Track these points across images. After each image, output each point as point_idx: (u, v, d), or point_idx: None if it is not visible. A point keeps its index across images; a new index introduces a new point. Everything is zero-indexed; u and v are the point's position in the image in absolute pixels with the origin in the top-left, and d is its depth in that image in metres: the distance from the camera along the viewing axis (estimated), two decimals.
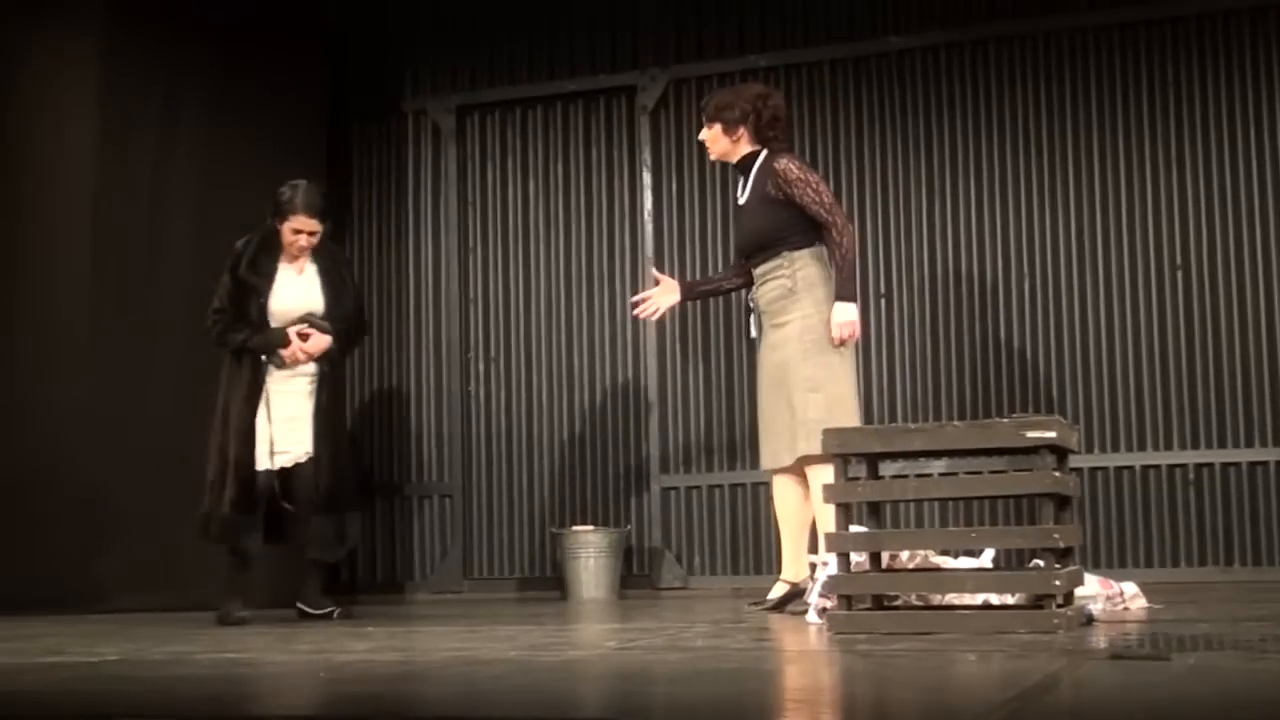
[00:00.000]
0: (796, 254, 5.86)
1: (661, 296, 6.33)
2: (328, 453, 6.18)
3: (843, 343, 5.78)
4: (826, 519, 5.47)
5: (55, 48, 7.35)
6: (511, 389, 8.48)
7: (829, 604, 4.61)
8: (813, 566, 5.23)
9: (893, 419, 7.65)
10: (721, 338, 8.06)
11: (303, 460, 6.14)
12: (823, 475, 5.56)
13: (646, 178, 8.32)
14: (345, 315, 6.30)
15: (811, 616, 4.83)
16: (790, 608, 5.62)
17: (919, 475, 5.92)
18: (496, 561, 8.41)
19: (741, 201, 6.03)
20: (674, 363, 8.20)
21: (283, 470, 6.13)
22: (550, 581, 8.14)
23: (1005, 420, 4.29)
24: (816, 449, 5.53)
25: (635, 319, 8.10)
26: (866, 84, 8.02)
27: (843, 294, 5.78)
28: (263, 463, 6.09)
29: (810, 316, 5.80)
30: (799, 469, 5.87)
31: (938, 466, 6.68)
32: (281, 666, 3.81)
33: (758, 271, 5.98)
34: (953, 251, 7.77)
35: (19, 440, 7.04)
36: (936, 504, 7.44)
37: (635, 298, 6.48)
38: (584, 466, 8.29)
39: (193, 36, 7.74)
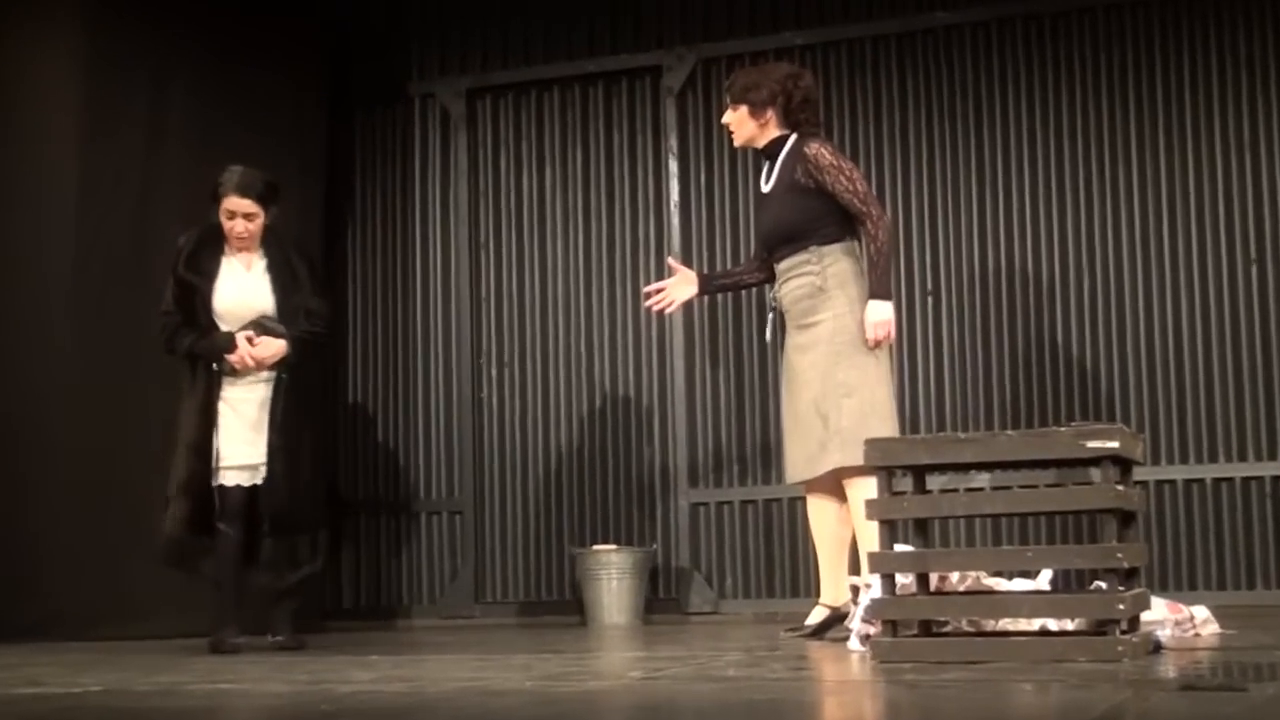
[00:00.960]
0: (826, 248, 5.84)
1: (677, 289, 6.31)
2: (281, 469, 6.14)
3: (878, 344, 5.76)
4: (868, 537, 5.46)
5: (35, 34, 7.38)
6: (527, 395, 8.48)
7: (872, 630, 4.61)
8: (854, 589, 5.22)
9: (940, 428, 7.63)
10: (755, 338, 8.05)
11: (261, 478, 6.14)
12: (862, 489, 5.57)
13: (673, 166, 8.31)
14: (298, 314, 6.25)
15: (853, 644, 4.82)
16: (830, 634, 5.60)
17: (969, 489, 5.90)
18: (510, 583, 8.41)
19: (766, 190, 6.02)
20: (703, 366, 8.19)
21: (252, 487, 6.15)
22: (569, 605, 8.14)
23: (1063, 429, 4.27)
24: (851, 460, 5.57)
25: (660, 317, 8.09)
26: (911, 63, 8.01)
27: (878, 292, 5.76)
28: (229, 478, 6.10)
29: (842, 316, 5.78)
30: (833, 482, 5.85)
31: (989, 480, 6.67)
32: (279, 699, 3.81)
33: (782, 267, 5.96)
34: (1005, 244, 7.75)
35: None
36: (988, 521, 7.42)
37: (649, 288, 6.46)
38: (605, 480, 8.29)
39: (182, 18, 7.76)
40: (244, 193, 6.20)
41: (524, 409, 8.48)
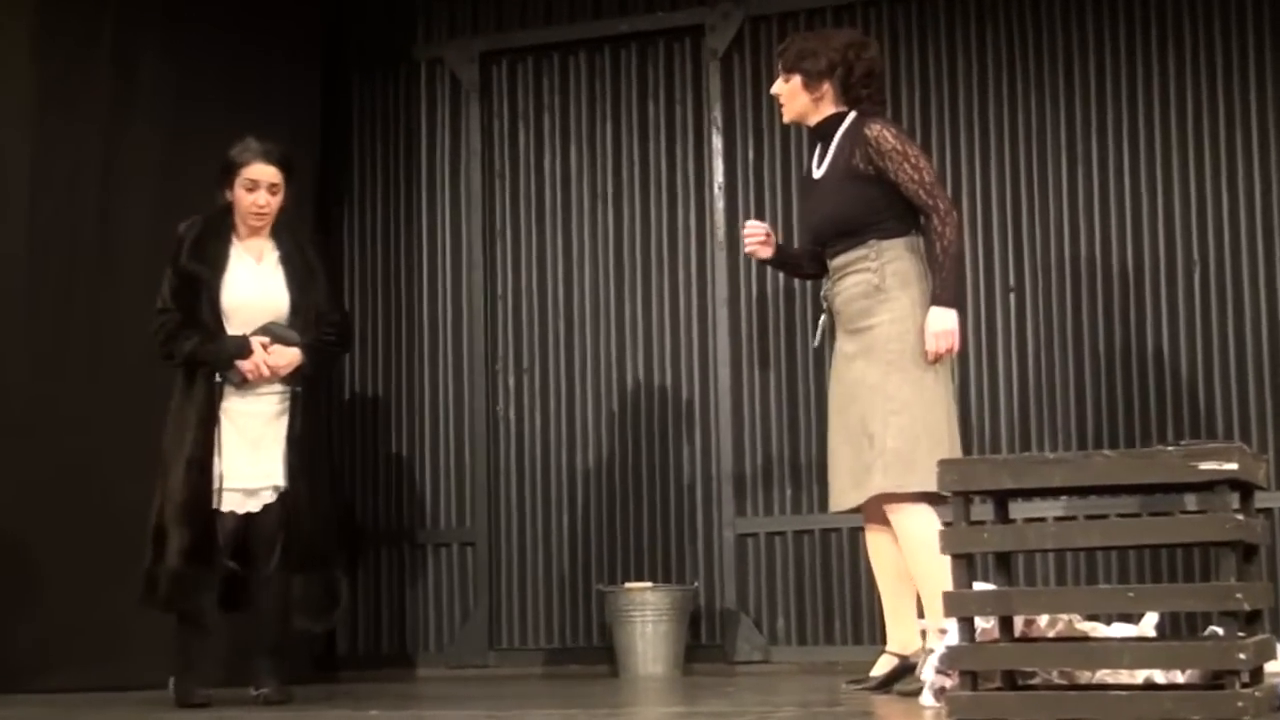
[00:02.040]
0: (886, 243, 5.84)
1: (765, 246, 6.27)
2: (306, 493, 6.18)
3: (938, 357, 5.76)
4: (925, 573, 5.56)
5: None
6: (549, 408, 8.48)
7: (948, 682, 4.60)
8: (924, 634, 5.20)
9: (1024, 447, 7.59)
10: (810, 342, 8.00)
11: (271, 502, 6.16)
12: (909, 518, 5.64)
13: (717, 141, 8.29)
14: (315, 311, 6.30)
15: (926, 698, 4.82)
16: (899, 686, 5.58)
17: (1060, 519, 5.86)
18: (530, 627, 8.40)
19: (818, 175, 6.03)
20: (752, 374, 8.17)
21: (247, 514, 6.14)
22: (598, 653, 8.13)
23: (1171, 449, 4.22)
24: (896, 485, 5.63)
25: (701, 318, 8.08)
26: (993, 25, 7.99)
27: (943, 297, 5.75)
28: (228, 503, 6.11)
29: (901, 320, 5.79)
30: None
31: (1083, 507, 6.67)
32: None
33: (836, 263, 5.96)
34: (1101, 234, 7.72)
35: None
36: (1082, 555, 7.39)
37: (753, 223, 6.32)
38: (639, 507, 8.28)
39: None
40: (268, 158, 6.25)
41: (545, 424, 8.48)
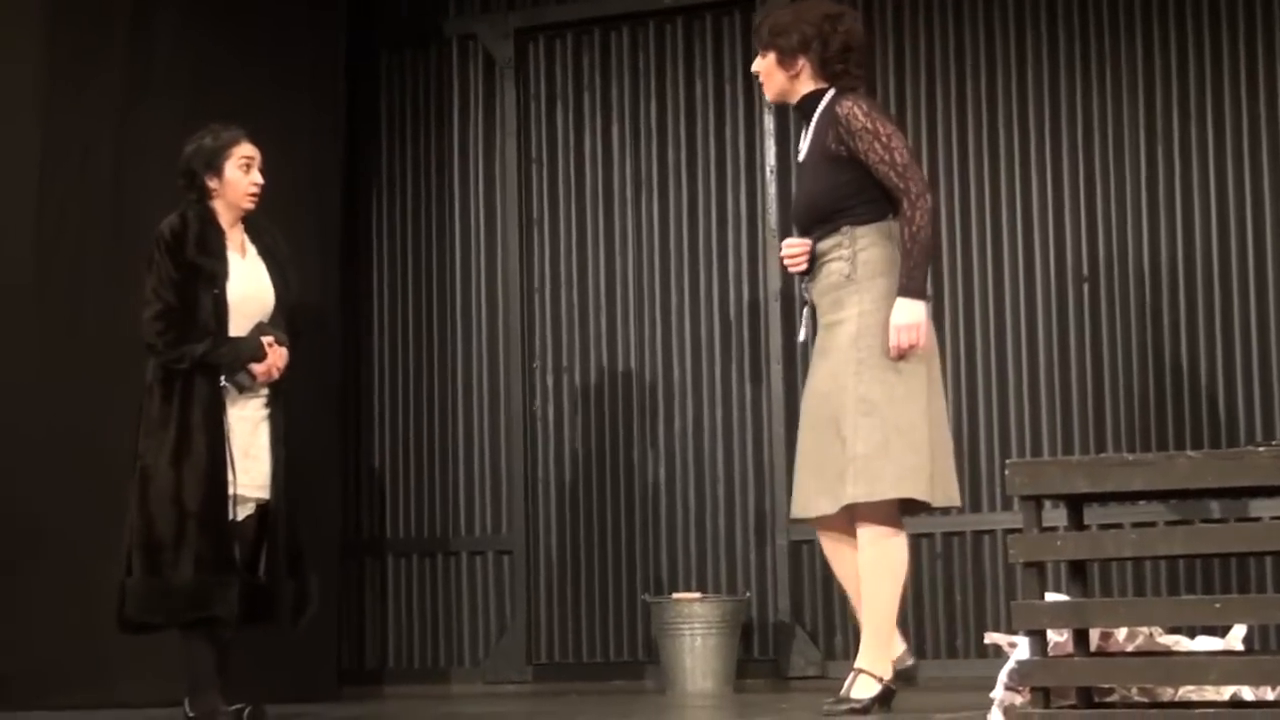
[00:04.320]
0: (860, 230, 5.80)
1: (807, 260, 6.15)
2: (288, 498, 6.31)
3: (901, 354, 5.69)
4: (872, 597, 5.63)
5: None
6: (589, 409, 8.49)
7: (1019, 699, 4.56)
8: (996, 647, 5.17)
9: (1099, 448, 7.57)
10: None
11: (253, 511, 6.26)
12: (876, 529, 5.62)
13: (769, 121, 8.29)
14: (295, 302, 6.49)
15: (995, 716, 4.78)
16: (829, 706, 5.63)
17: (1138, 525, 5.82)
18: (571, 641, 8.41)
19: (801, 158, 6.03)
20: (806, 372, 8.13)
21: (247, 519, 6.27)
22: (643, 668, 8.16)
23: (1260, 449, 4.18)
24: (865, 494, 5.60)
25: (753, 313, 8.07)
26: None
27: (908, 288, 5.70)
28: (245, 509, 6.21)
29: (870, 314, 5.73)
30: (850, 520, 5.82)
31: (1164, 513, 6.64)
32: None
33: (817, 250, 5.91)
34: (1183, 219, 7.69)
35: None
36: (1162, 564, 7.36)
37: (791, 241, 6.23)
38: (687, 513, 8.28)
39: None
40: (250, 137, 6.39)
41: (586, 425, 8.49)
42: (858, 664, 5.66)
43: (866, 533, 5.67)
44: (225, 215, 6.35)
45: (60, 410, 7.18)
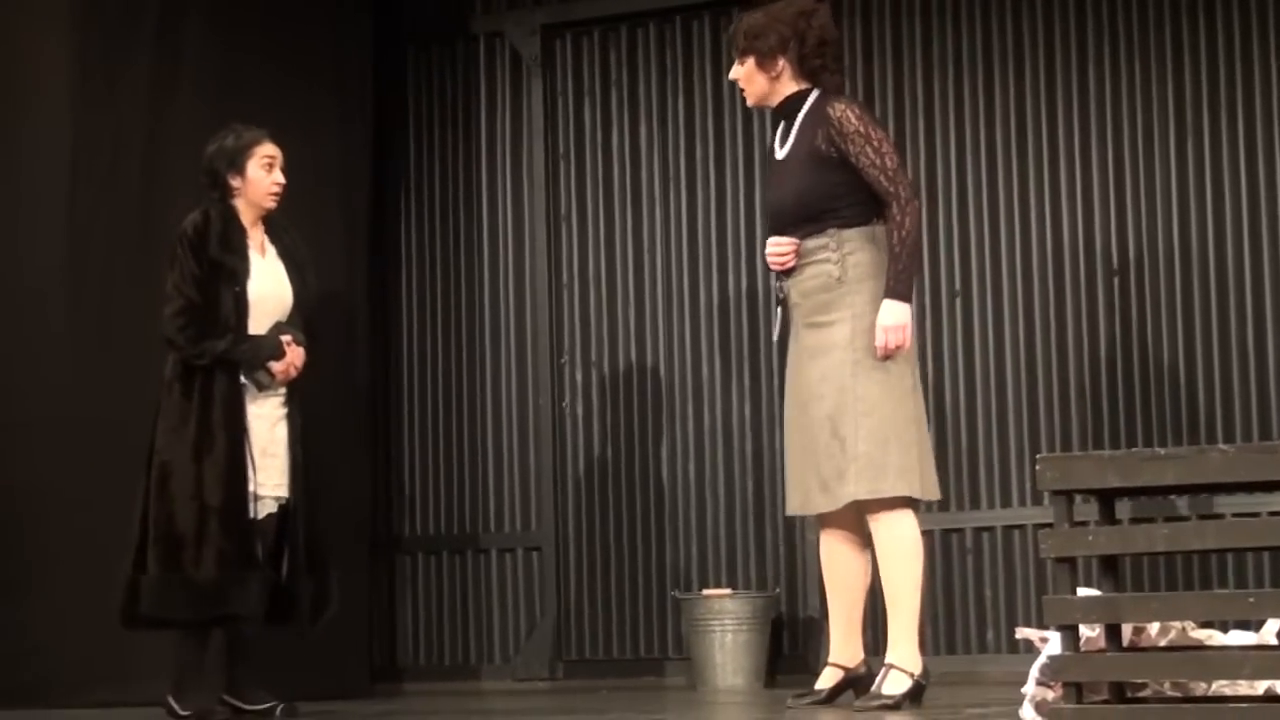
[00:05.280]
0: (847, 232, 5.86)
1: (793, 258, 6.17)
2: (307, 497, 6.39)
3: (888, 355, 5.76)
4: (902, 581, 5.71)
5: None
6: (619, 405, 8.49)
7: (1051, 694, 4.54)
8: (1027, 642, 5.16)
9: (1130, 443, 7.56)
10: None
11: (274, 510, 6.33)
12: (893, 525, 5.72)
13: None
14: (314, 303, 6.55)
15: (1027, 712, 4.76)
16: (859, 703, 5.71)
17: (1170, 519, 5.80)
18: (601, 637, 8.41)
19: (780, 156, 6.04)
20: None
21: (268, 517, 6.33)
22: (673, 664, 8.16)
23: None
24: (870, 491, 5.70)
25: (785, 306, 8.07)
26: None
27: (897, 290, 5.77)
28: (262, 508, 6.28)
29: (864, 317, 5.80)
30: (853, 518, 5.89)
31: (1195, 506, 6.62)
32: None
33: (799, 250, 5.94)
34: (1214, 212, 7.68)
35: None
36: (1195, 558, 7.33)
37: (777, 240, 6.24)
38: (716, 508, 8.28)
39: None
40: (271, 137, 6.46)
41: (615, 421, 8.49)
42: (888, 659, 5.71)
43: (882, 524, 5.77)
44: (247, 214, 6.42)
45: (92, 407, 7.21)
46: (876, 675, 5.76)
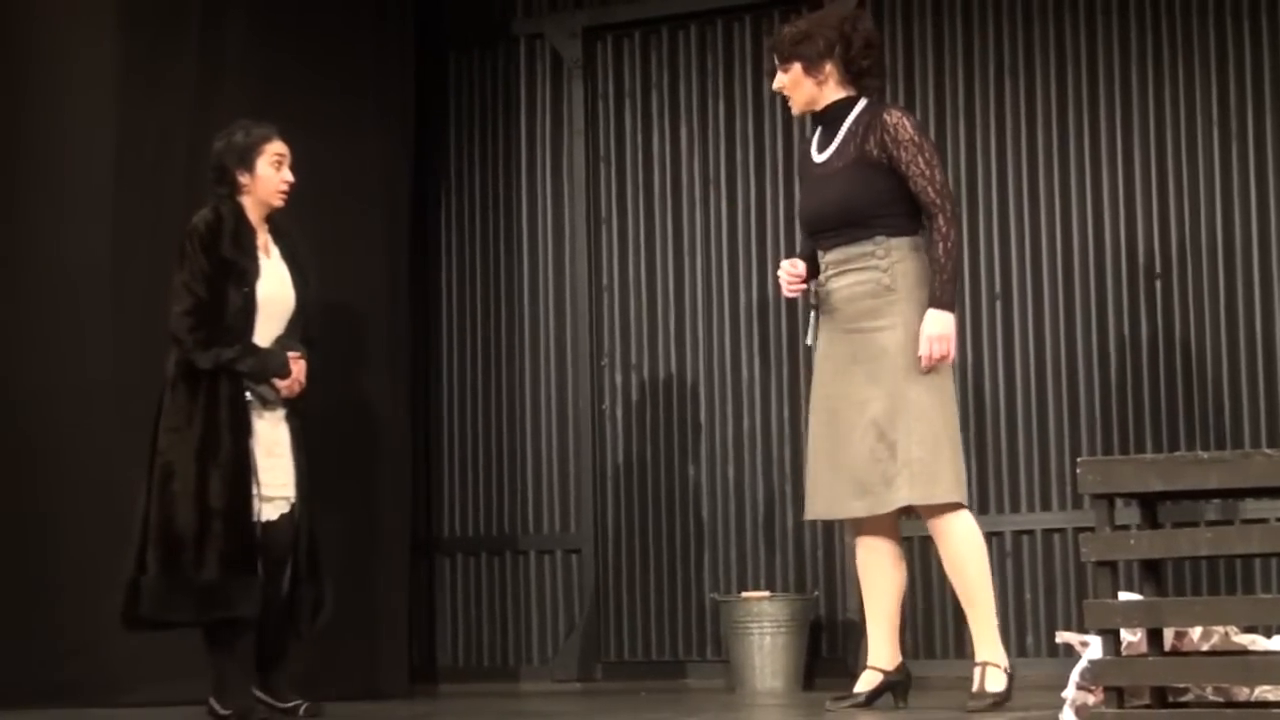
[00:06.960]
0: (894, 241, 5.92)
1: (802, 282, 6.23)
2: (305, 498, 6.41)
3: (932, 364, 5.83)
4: (976, 581, 5.81)
5: None
6: (658, 407, 8.48)
7: (1092, 699, 4.56)
8: (1069, 647, 5.15)
9: (1171, 446, 7.53)
10: None
11: (286, 512, 6.36)
12: (956, 526, 5.80)
13: None
14: (306, 319, 6.54)
15: (1067, 716, 4.76)
16: (974, 703, 5.71)
17: (1212, 523, 5.78)
18: (639, 639, 8.41)
19: (820, 160, 6.07)
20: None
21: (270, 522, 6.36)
22: (712, 666, 8.14)
23: None
24: (925, 496, 5.78)
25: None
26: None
27: (942, 300, 5.86)
28: (268, 511, 6.31)
29: (914, 324, 5.86)
30: (890, 523, 5.98)
31: (1226, 510, 6.60)
32: None
33: (832, 257, 5.98)
34: (1259, 215, 7.64)
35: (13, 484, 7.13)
36: (1238, 563, 7.30)
37: (791, 263, 6.24)
38: (755, 511, 8.27)
39: None
40: (281, 134, 6.48)
41: (654, 423, 8.48)
42: (980, 657, 5.80)
43: (945, 525, 5.84)
44: (254, 212, 6.44)
45: (134, 408, 7.20)
46: (912, 679, 5.92)
